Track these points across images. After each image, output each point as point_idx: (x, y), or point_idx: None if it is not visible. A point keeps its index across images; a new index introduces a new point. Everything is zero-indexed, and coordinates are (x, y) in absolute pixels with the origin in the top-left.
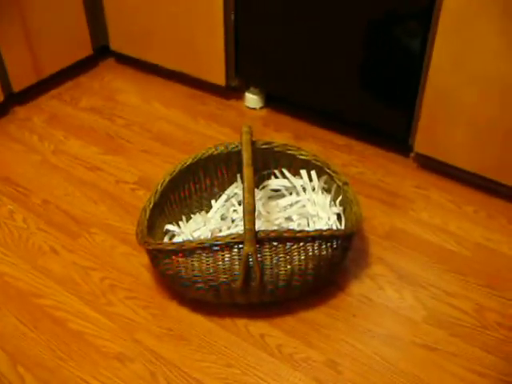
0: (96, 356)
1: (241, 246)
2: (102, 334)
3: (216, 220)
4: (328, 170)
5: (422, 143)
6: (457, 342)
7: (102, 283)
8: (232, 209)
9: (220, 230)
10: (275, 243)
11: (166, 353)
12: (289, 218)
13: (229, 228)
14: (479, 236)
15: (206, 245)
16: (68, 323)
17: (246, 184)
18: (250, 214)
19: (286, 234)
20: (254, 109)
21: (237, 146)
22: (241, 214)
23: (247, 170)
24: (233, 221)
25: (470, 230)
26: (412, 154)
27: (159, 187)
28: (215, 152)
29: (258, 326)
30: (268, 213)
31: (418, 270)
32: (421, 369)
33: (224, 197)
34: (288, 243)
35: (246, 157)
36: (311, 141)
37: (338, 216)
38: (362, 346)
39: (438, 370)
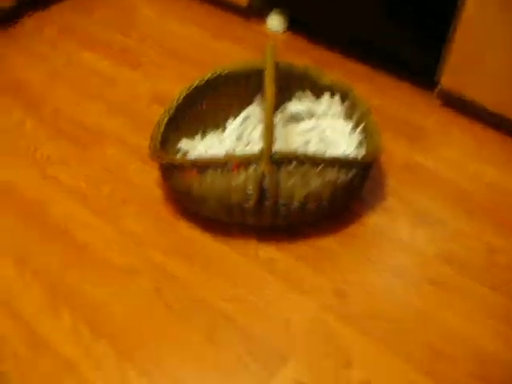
0: (102, 268)
1: (256, 165)
2: (110, 247)
3: (231, 140)
4: (351, 96)
5: (448, 79)
6: (466, 281)
7: (112, 196)
8: (249, 129)
9: (235, 151)
10: (292, 165)
11: (172, 270)
12: (307, 143)
13: (244, 148)
14: (497, 178)
15: (220, 162)
16: (76, 234)
17: (267, 101)
18: (269, 132)
19: (303, 157)
20: (277, 32)
21: (258, 65)
22: (258, 135)
23: (270, 88)
24: (249, 141)
25: (489, 171)
26: (436, 90)
27: (175, 101)
28: (235, 69)
29: (268, 250)
30: (286, 136)
31: (433, 207)
32: (427, 303)
33: (241, 116)
34: (305, 166)
35: (270, 74)
36: (333, 69)
37: (359, 144)
38: (371, 277)
39: (445, 306)
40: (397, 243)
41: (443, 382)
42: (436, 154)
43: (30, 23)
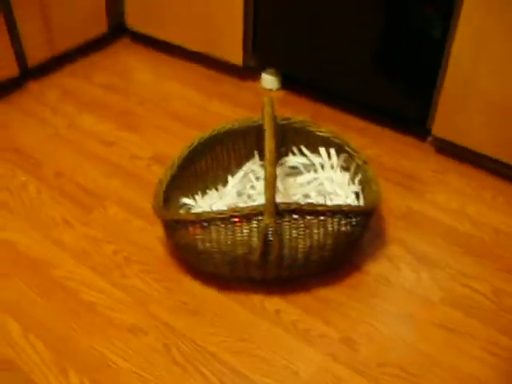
0: (109, 327)
1: (260, 218)
2: (115, 306)
3: (232, 196)
4: (347, 149)
5: (439, 127)
6: (474, 324)
7: (116, 256)
8: (249, 185)
9: (236, 206)
10: (295, 216)
11: (179, 326)
12: (306, 196)
13: (245, 204)
14: (497, 221)
15: (224, 216)
16: (81, 294)
17: (267, 155)
18: (271, 184)
19: (306, 207)
20: (271, 90)
21: (256, 121)
22: (258, 190)
23: (269, 141)
24: (249, 197)
25: (488, 215)
26: (429, 138)
27: (177, 160)
28: (234, 126)
29: (273, 302)
30: (285, 189)
31: (436, 252)
32: (437, 349)
33: (241, 173)
34: (308, 217)
35: (269, 127)
36: (328, 123)
37: (357, 195)
38: (379, 325)
39: (455, 351)
40: (401, 290)
41: None
42: (434, 201)
43: (32, 89)
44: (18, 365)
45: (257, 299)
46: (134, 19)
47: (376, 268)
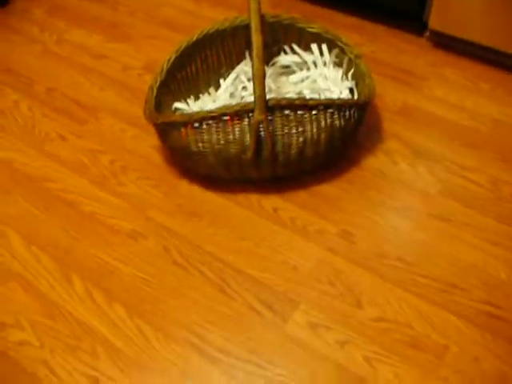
0: (109, 234)
1: (251, 114)
2: (114, 214)
3: (225, 98)
4: (339, 43)
5: (436, 20)
6: (471, 213)
7: (112, 165)
8: (241, 86)
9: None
10: (286, 112)
11: (178, 228)
12: (300, 94)
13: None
14: (496, 112)
15: (215, 114)
16: (79, 205)
17: (255, 50)
18: (260, 79)
19: (297, 102)
20: None
21: (244, 20)
22: (250, 91)
23: (256, 36)
24: (242, 98)
25: (487, 106)
26: (426, 33)
27: (165, 65)
28: (222, 27)
29: (270, 201)
30: (278, 88)
31: (433, 145)
32: (435, 238)
33: (233, 75)
34: (299, 112)
35: (255, 23)
36: (321, 23)
37: (351, 91)
38: (376, 218)
39: (452, 239)
40: (398, 183)
41: (457, 313)
42: (431, 95)
43: (17, 6)
44: (24, 276)
45: (254, 198)
46: None
47: (373, 162)
